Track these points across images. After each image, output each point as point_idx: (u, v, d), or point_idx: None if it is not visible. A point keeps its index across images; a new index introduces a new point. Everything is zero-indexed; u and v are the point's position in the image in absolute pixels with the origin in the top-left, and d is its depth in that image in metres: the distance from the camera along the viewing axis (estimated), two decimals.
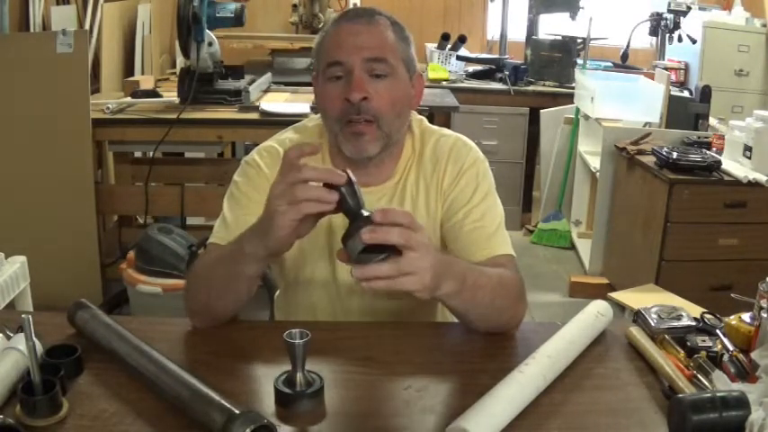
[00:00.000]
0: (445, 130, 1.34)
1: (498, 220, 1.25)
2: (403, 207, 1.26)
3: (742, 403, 0.86)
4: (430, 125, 1.34)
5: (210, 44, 2.85)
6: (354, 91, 1.15)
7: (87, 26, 3.26)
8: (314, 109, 2.75)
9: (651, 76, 3.59)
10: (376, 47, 1.18)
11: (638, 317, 1.17)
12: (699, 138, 3.07)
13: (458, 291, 1.01)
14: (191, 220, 3.10)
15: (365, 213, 0.92)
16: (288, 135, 1.33)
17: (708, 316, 1.18)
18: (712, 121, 3.37)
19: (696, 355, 1.04)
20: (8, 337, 1.01)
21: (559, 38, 4.15)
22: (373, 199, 1.25)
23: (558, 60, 4.10)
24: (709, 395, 0.88)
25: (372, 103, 1.17)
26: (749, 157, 2.72)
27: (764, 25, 4.27)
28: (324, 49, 1.21)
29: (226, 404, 0.85)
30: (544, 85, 4.11)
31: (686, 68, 4.35)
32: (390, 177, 1.28)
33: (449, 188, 1.27)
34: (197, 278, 1.17)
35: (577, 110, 3.78)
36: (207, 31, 2.80)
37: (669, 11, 3.98)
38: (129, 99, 2.97)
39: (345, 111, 1.17)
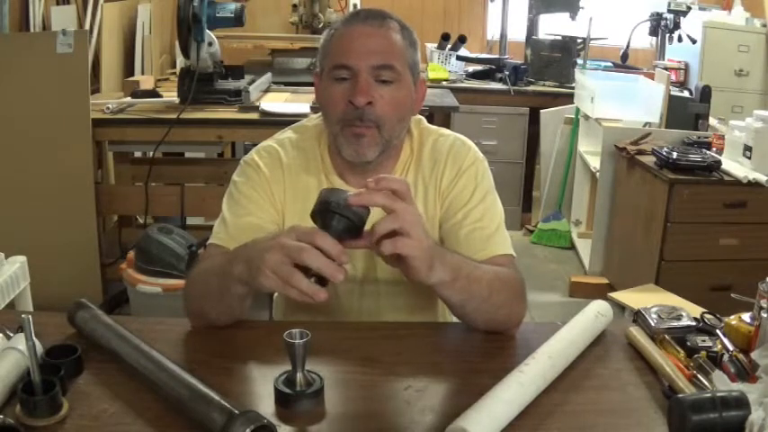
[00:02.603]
0: (443, 130, 1.33)
1: (498, 220, 1.25)
2: None
3: (742, 403, 0.86)
4: (428, 125, 1.34)
5: (210, 44, 2.85)
6: (359, 95, 1.15)
7: (87, 26, 3.26)
8: (314, 109, 2.75)
9: (651, 76, 3.59)
10: (384, 52, 1.17)
11: (638, 317, 1.17)
12: (699, 138, 3.07)
13: (453, 279, 1.01)
14: (191, 220, 3.10)
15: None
16: (287, 135, 1.32)
17: (708, 316, 1.18)
18: (712, 121, 3.37)
19: (696, 355, 1.04)
20: (8, 337, 1.01)
21: (559, 38, 4.15)
22: None
23: (558, 60, 4.10)
24: (709, 395, 0.88)
25: (376, 108, 1.16)
26: (749, 157, 2.72)
27: (764, 25, 4.27)
28: (332, 49, 1.20)
29: (226, 404, 0.85)
30: (544, 85, 4.11)
31: (686, 68, 4.36)
32: None
33: (447, 188, 1.26)
34: (193, 285, 1.17)
35: (577, 110, 3.78)
36: (207, 31, 2.80)
37: (669, 11, 3.99)
38: (129, 99, 2.97)
39: (348, 113, 1.17)
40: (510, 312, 1.14)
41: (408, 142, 1.30)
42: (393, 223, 0.92)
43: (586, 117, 3.71)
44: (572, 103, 3.82)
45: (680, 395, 0.91)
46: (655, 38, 4.32)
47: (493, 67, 4.20)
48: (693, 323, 1.15)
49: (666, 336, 1.10)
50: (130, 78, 3.34)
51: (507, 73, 4.06)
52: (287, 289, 0.92)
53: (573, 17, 4.07)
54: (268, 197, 1.25)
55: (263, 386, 0.98)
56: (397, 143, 1.26)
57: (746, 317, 1.12)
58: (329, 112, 1.21)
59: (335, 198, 0.93)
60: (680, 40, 4.08)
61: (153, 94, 3.04)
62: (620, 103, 3.40)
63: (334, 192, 0.95)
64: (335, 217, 0.93)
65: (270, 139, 1.33)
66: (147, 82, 3.25)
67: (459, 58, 4.31)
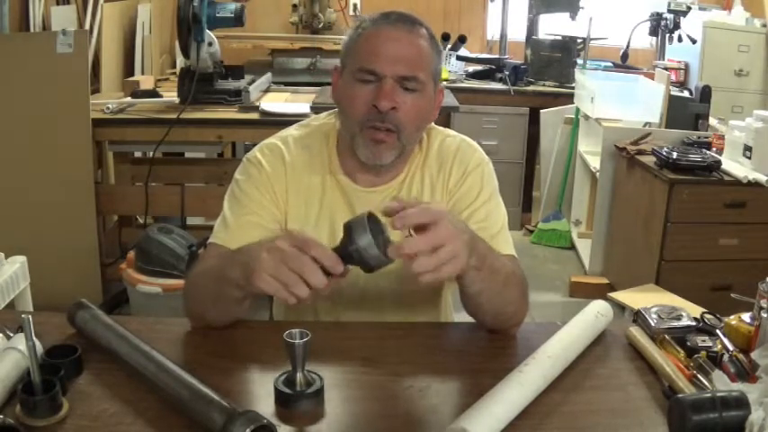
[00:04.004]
0: (449, 131, 1.34)
1: (501, 221, 1.26)
2: None
3: (742, 403, 0.86)
4: (435, 126, 1.35)
5: (210, 44, 2.85)
6: (384, 99, 1.15)
7: (87, 26, 3.26)
8: (314, 109, 2.75)
9: (651, 76, 3.59)
10: (412, 60, 1.17)
11: (638, 317, 1.17)
12: (699, 138, 3.07)
13: (479, 266, 1.01)
14: (191, 220, 3.10)
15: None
16: (291, 132, 1.32)
17: (708, 316, 1.18)
18: (712, 121, 3.37)
19: (696, 355, 1.04)
20: (8, 337, 1.01)
21: (559, 38, 4.15)
22: (380, 197, 1.25)
23: (558, 60, 4.10)
24: (709, 395, 0.88)
25: (399, 114, 1.17)
26: (749, 157, 2.72)
27: (764, 25, 4.27)
28: (358, 49, 1.19)
29: (226, 404, 0.85)
30: (544, 85, 4.11)
31: (686, 68, 4.35)
32: (396, 176, 1.28)
33: (454, 188, 1.27)
34: (192, 287, 1.17)
35: (577, 110, 3.78)
36: (207, 31, 2.80)
37: (669, 11, 3.99)
38: (129, 99, 2.97)
39: (370, 116, 1.17)
40: (516, 310, 1.15)
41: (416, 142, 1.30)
42: (440, 257, 0.92)
43: (586, 117, 3.71)
44: (572, 103, 3.82)
45: (680, 395, 0.91)
46: (655, 38, 4.32)
47: (493, 67, 4.19)
48: (693, 323, 1.15)
49: (666, 336, 1.10)
50: (130, 78, 3.34)
51: (507, 73, 4.05)
52: (283, 293, 0.93)
53: (573, 17, 4.07)
54: (270, 195, 1.24)
55: (263, 386, 0.98)
56: (410, 147, 1.26)
57: (746, 317, 1.12)
58: (349, 113, 1.20)
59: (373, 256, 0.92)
60: (680, 40, 4.08)
61: (153, 94, 3.04)
62: (620, 103, 3.40)
63: (375, 240, 0.92)
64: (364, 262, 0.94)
65: (273, 136, 1.32)
66: (147, 82, 3.25)
67: (459, 58, 4.31)
